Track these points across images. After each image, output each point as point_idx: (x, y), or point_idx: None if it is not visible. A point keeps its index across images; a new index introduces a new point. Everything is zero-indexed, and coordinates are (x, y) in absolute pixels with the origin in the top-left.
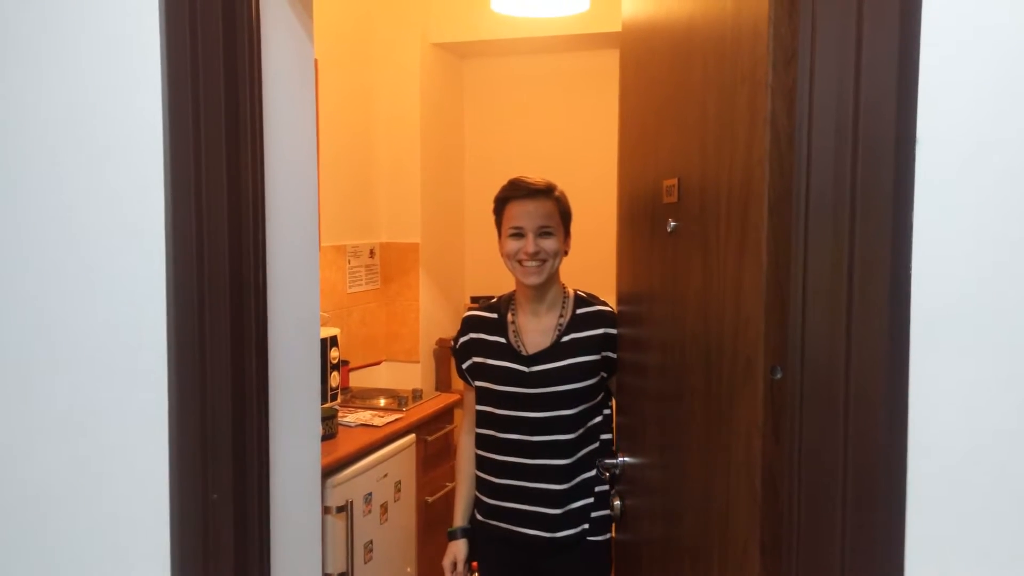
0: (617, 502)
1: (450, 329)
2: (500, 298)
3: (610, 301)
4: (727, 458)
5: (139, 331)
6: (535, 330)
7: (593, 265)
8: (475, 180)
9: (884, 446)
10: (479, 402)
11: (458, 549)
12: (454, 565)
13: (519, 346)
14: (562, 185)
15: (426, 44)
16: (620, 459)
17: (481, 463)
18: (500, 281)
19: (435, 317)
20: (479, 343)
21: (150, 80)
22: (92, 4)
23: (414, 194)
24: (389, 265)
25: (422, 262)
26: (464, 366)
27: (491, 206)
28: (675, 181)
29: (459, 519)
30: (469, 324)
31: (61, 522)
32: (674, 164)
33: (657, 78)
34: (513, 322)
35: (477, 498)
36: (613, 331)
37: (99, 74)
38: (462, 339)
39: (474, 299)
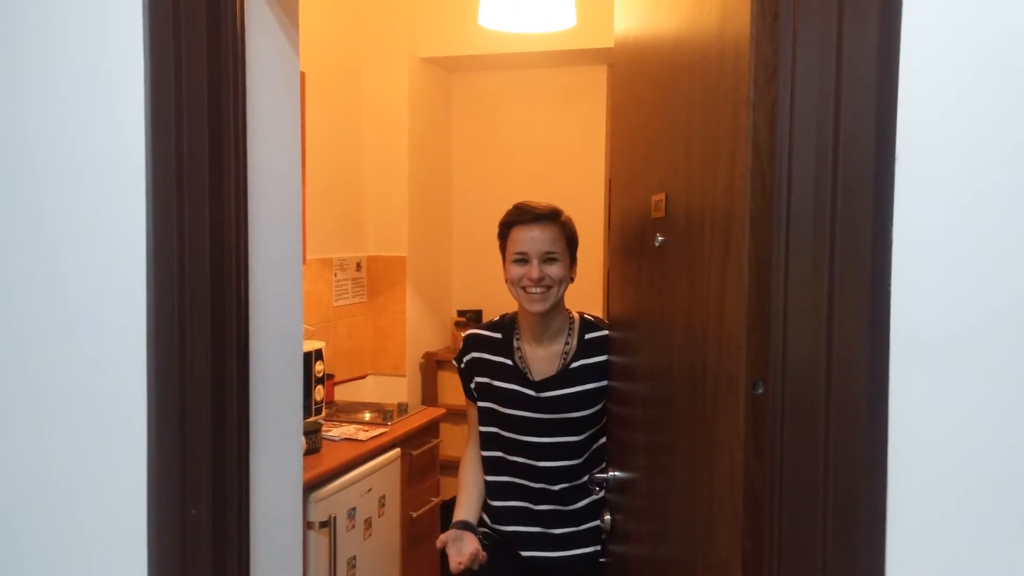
0: (607, 516)
1: (437, 343)
2: (503, 318)
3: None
4: (711, 474)
5: (117, 344)
6: (540, 358)
7: (576, 283)
8: (463, 194)
9: (865, 460)
10: (482, 423)
11: (469, 537)
12: (462, 553)
13: (526, 370)
14: (549, 201)
15: (414, 58)
16: (611, 473)
17: (484, 486)
18: (487, 295)
19: (422, 331)
20: (483, 363)
21: (132, 89)
22: (75, 13)
23: (401, 207)
24: (376, 278)
25: (409, 275)
26: (472, 385)
27: (479, 220)
28: (663, 196)
29: (461, 515)
30: (472, 343)
31: (35, 538)
32: (662, 179)
33: (646, 94)
34: (519, 347)
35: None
36: None
37: (81, 85)
38: (466, 358)
39: (461, 313)
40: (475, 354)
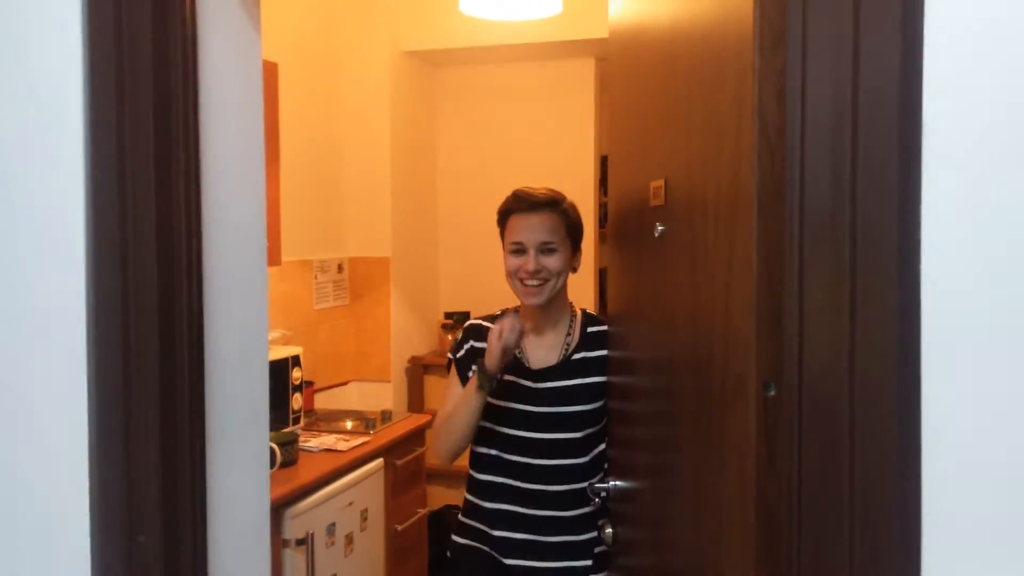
0: (608, 530)
1: (423, 347)
2: (504, 312)
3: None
4: (718, 483)
5: (54, 354)
6: (541, 347)
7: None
8: (448, 192)
9: (896, 470)
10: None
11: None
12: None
13: (524, 359)
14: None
15: (396, 52)
16: (611, 483)
17: (474, 486)
18: (475, 297)
19: (407, 335)
20: (482, 353)
21: (71, 84)
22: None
23: (384, 206)
24: (358, 280)
25: (393, 277)
26: (469, 375)
27: (465, 219)
28: (661, 183)
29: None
30: (471, 332)
31: None
32: (661, 164)
33: (644, 75)
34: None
35: (461, 523)
36: None
37: (14, 78)
38: (465, 346)
39: (448, 315)
40: (474, 343)
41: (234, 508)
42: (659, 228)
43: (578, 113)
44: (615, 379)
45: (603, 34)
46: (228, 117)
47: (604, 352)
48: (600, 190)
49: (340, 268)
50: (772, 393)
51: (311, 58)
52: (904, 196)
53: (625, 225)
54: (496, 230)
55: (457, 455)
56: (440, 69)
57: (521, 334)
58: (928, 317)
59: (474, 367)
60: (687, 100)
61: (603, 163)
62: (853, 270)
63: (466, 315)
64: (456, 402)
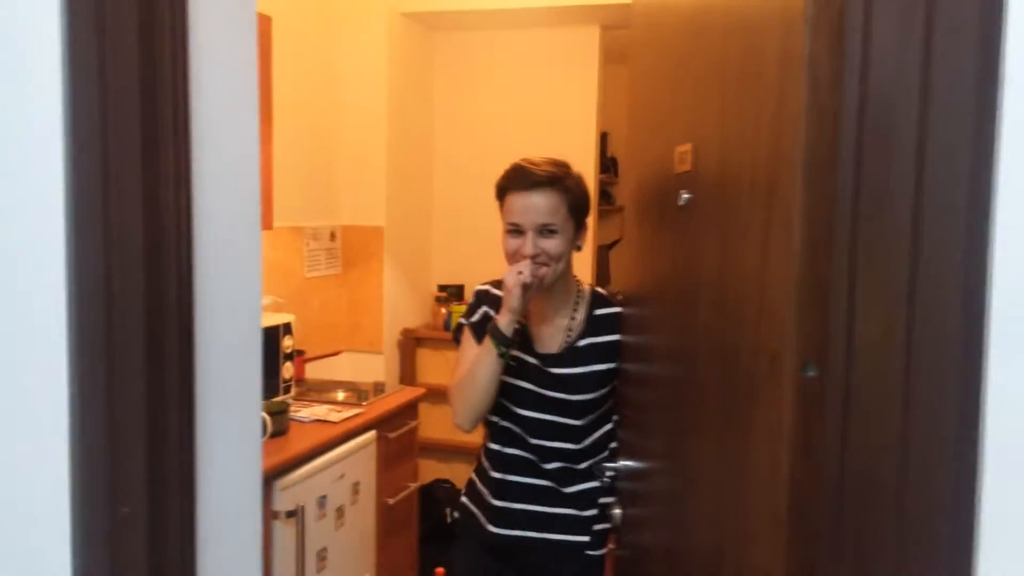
0: (617, 511)
1: (416, 319)
2: None
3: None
4: (745, 470)
5: (31, 320)
6: (544, 331)
7: None
8: (445, 160)
9: (951, 465)
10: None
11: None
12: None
13: (531, 341)
14: (553, 157)
15: (394, 13)
16: (620, 463)
17: (484, 452)
18: (470, 269)
19: (399, 305)
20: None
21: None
22: None
23: (379, 174)
24: (351, 249)
25: (387, 247)
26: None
27: (461, 189)
28: (689, 147)
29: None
30: (484, 298)
31: None
32: (689, 127)
33: (671, 33)
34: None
35: (471, 483)
36: None
37: None
38: (478, 311)
39: (442, 288)
40: (487, 309)
41: (224, 478)
42: (684, 196)
43: (582, 82)
44: (631, 358)
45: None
46: (220, 65)
47: (614, 337)
48: (600, 167)
49: (333, 236)
50: (811, 374)
51: (306, 13)
52: (977, 163)
53: (645, 195)
54: (493, 203)
55: (477, 420)
56: (438, 33)
57: (536, 278)
58: (998, 297)
59: (490, 323)
60: (721, 57)
61: (603, 140)
62: (915, 244)
63: (460, 288)
64: (472, 363)
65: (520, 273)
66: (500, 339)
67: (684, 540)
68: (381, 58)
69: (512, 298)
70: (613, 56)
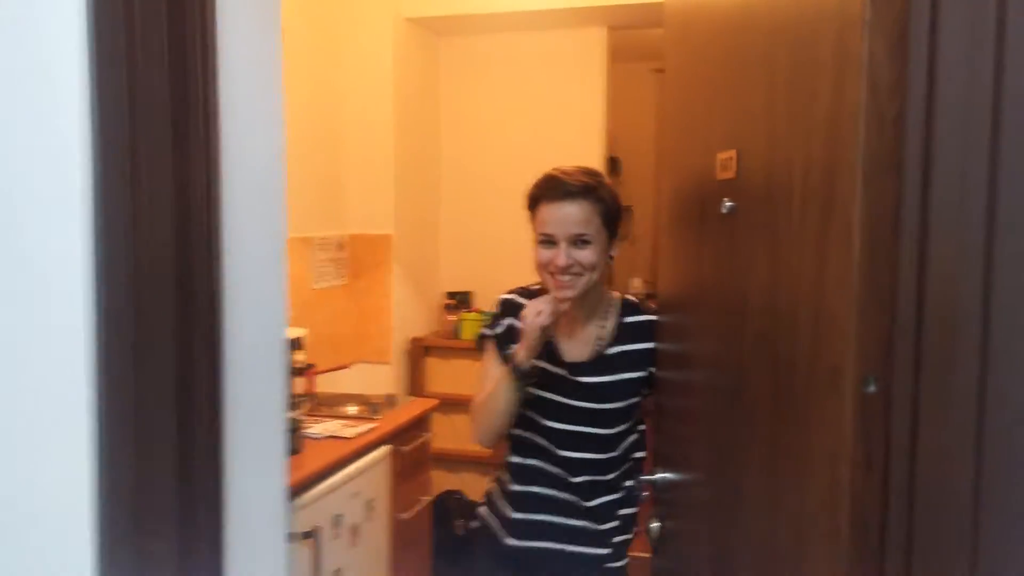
0: (655, 523)
1: (424, 328)
2: (540, 287)
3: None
4: (799, 484)
5: (55, 346)
6: (573, 340)
7: None
8: (452, 167)
9: None
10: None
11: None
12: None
13: (559, 350)
14: (583, 166)
15: (399, 18)
16: (658, 474)
17: (506, 466)
18: (478, 277)
19: (408, 315)
20: (519, 333)
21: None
22: None
23: (387, 182)
24: (359, 259)
25: (395, 255)
26: (508, 353)
27: (469, 195)
28: (732, 154)
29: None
30: (509, 308)
31: None
32: (731, 134)
33: (710, 35)
34: (553, 324)
35: (489, 496)
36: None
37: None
38: (503, 322)
39: (450, 295)
40: (513, 320)
41: (252, 509)
42: (728, 204)
43: (589, 85)
44: (668, 366)
45: (617, 0)
46: (247, 60)
47: (647, 345)
48: (608, 170)
49: (340, 246)
50: (871, 389)
51: (311, 21)
52: None
53: (682, 200)
54: (500, 208)
55: (495, 441)
56: (443, 38)
57: (556, 315)
58: None
59: (508, 355)
60: (768, 60)
61: (615, 144)
62: (988, 255)
63: (467, 295)
64: (492, 386)
65: (539, 314)
66: (518, 374)
67: (733, 555)
68: (387, 65)
69: (530, 338)
70: (621, 56)
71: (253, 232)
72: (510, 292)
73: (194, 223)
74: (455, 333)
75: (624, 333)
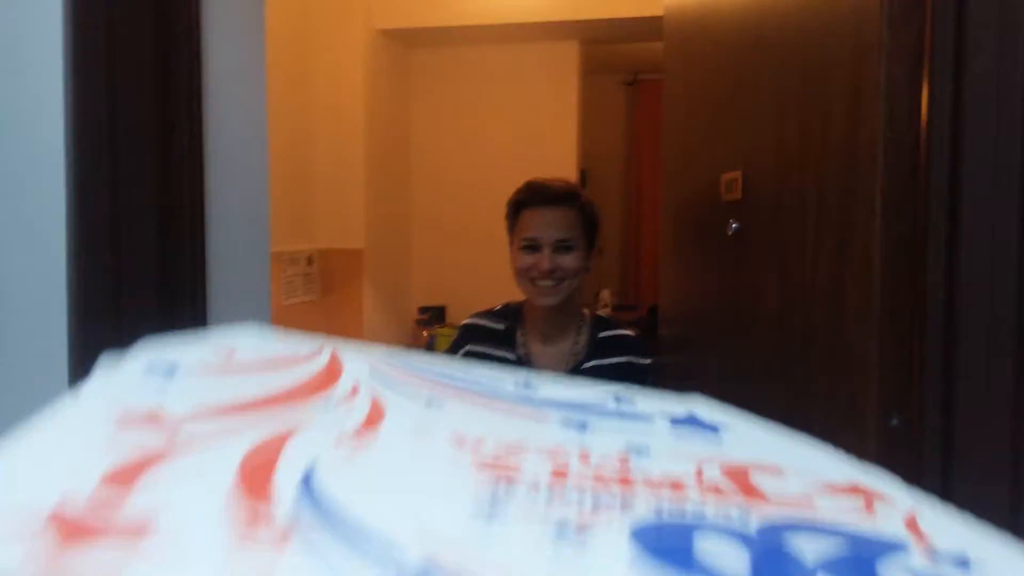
0: None
1: (397, 343)
2: (507, 306)
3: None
4: None
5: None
6: (547, 355)
7: None
8: (424, 180)
9: None
10: None
11: None
12: None
13: (533, 367)
14: (564, 178)
15: (371, 30)
16: None
17: None
18: (451, 291)
19: (380, 331)
20: (481, 358)
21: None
22: None
23: (357, 195)
24: (329, 274)
25: (366, 270)
26: None
27: (441, 209)
28: (738, 175)
29: None
30: (469, 333)
31: None
32: (737, 154)
33: (715, 56)
34: (523, 342)
35: None
36: (639, 360)
37: None
38: (462, 350)
39: (423, 310)
40: (473, 347)
41: None
42: (734, 225)
43: (561, 98)
44: (672, 379)
45: (589, 15)
46: (232, 64)
47: (620, 359)
48: (581, 183)
49: (310, 260)
50: (895, 423)
51: (282, 31)
52: None
53: (686, 220)
54: (474, 220)
55: None
56: (416, 50)
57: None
58: None
59: None
60: (777, 84)
61: (584, 156)
62: (1022, 286)
63: (441, 310)
64: None
65: None
66: None
67: None
68: (358, 77)
69: None
70: (590, 67)
71: (238, 248)
72: (474, 315)
73: (180, 238)
74: (430, 348)
75: (599, 347)
